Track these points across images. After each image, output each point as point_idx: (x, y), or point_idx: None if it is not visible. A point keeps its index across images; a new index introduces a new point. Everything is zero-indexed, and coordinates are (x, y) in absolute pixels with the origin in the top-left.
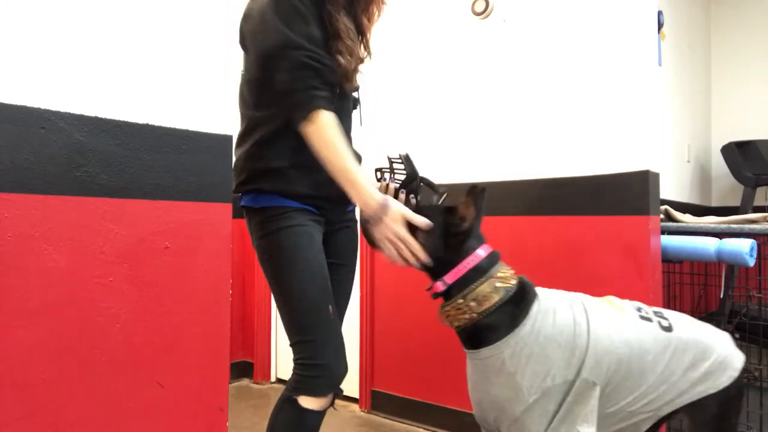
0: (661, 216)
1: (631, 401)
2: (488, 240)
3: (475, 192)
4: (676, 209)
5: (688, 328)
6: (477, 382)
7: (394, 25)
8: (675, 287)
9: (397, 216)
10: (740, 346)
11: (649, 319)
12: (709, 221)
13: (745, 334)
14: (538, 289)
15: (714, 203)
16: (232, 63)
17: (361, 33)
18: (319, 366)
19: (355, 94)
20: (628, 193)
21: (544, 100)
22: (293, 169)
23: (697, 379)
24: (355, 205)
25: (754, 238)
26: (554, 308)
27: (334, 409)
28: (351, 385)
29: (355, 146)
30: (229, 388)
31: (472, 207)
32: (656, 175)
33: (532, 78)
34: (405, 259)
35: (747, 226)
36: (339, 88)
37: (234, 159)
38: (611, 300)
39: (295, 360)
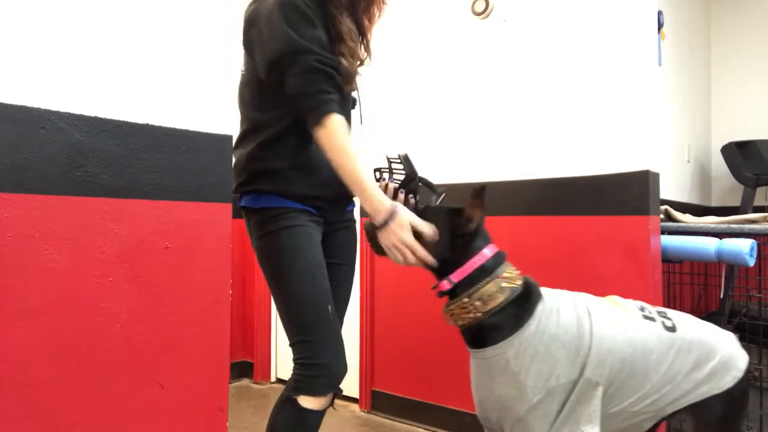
0: (661, 216)
1: (634, 401)
2: None
3: (481, 193)
4: (676, 209)
5: (692, 328)
6: (480, 381)
7: (394, 25)
8: (675, 287)
9: (405, 223)
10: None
11: (652, 319)
12: (709, 221)
13: (745, 334)
14: (542, 290)
15: (714, 203)
16: (232, 63)
17: (362, 34)
18: (318, 366)
19: (354, 94)
20: (628, 193)
21: (544, 100)
22: (293, 169)
23: (701, 380)
24: (353, 206)
25: (754, 238)
26: (558, 308)
27: (334, 408)
28: (351, 385)
29: (355, 146)
30: (229, 388)
31: (479, 208)
32: (656, 175)
33: (532, 78)
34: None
35: (747, 226)
36: None
37: (234, 159)
38: (614, 300)
39: (294, 360)
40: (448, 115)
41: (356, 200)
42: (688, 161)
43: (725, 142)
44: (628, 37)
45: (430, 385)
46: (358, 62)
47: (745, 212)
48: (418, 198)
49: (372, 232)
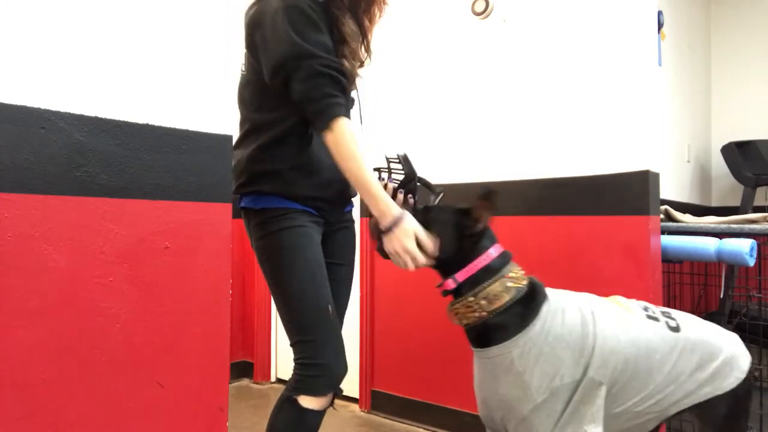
0: (661, 216)
1: (638, 401)
2: None
3: (491, 195)
4: (676, 209)
5: (696, 328)
6: (484, 380)
7: (394, 25)
8: (675, 287)
9: (409, 231)
10: None
11: (656, 319)
12: (709, 221)
13: (745, 334)
14: (547, 290)
15: (714, 203)
16: (232, 63)
17: (362, 34)
18: (319, 366)
19: (353, 94)
20: (628, 193)
21: (544, 100)
22: (293, 170)
23: (705, 380)
24: (352, 206)
25: (754, 238)
26: (563, 308)
27: (334, 408)
28: (351, 385)
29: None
30: (229, 388)
31: (488, 210)
32: (656, 175)
33: (532, 78)
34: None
35: (747, 226)
36: None
37: (234, 160)
38: (618, 300)
39: (295, 360)
40: (448, 115)
41: (354, 200)
42: (688, 161)
43: (725, 142)
44: (628, 37)
45: (430, 385)
46: (359, 63)
47: (745, 212)
48: (416, 198)
49: (377, 232)
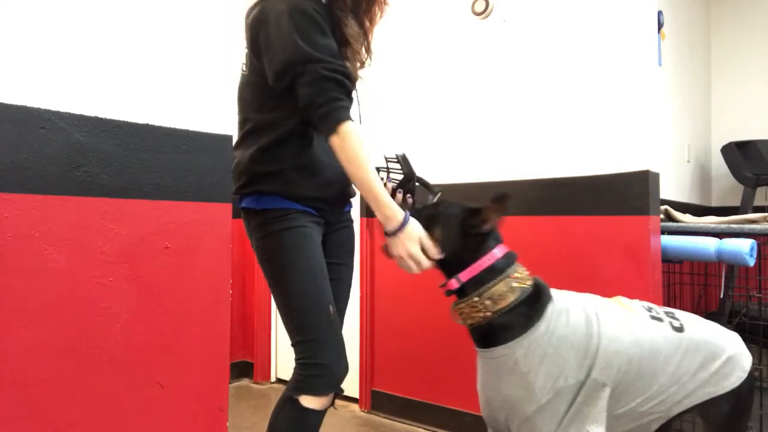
0: (661, 216)
1: (641, 402)
2: None
3: (502, 200)
4: (676, 209)
5: (699, 328)
6: (488, 380)
7: (395, 25)
8: (675, 287)
9: (413, 236)
10: None
11: (660, 320)
12: (709, 221)
13: (745, 334)
14: (552, 291)
15: (714, 203)
16: (232, 63)
17: (363, 35)
18: (319, 365)
19: (352, 94)
20: (628, 193)
21: (544, 100)
22: (294, 171)
23: (706, 380)
24: (351, 206)
25: (754, 238)
26: (567, 309)
27: (335, 408)
28: (351, 385)
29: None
30: (229, 388)
31: (497, 213)
32: (656, 175)
33: (532, 78)
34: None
35: (747, 226)
36: None
37: (235, 160)
38: (621, 300)
39: (296, 360)
40: (448, 115)
41: (353, 200)
42: (688, 161)
43: (725, 142)
44: (628, 37)
45: (430, 385)
46: (359, 64)
47: (745, 212)
48: (415, 197)
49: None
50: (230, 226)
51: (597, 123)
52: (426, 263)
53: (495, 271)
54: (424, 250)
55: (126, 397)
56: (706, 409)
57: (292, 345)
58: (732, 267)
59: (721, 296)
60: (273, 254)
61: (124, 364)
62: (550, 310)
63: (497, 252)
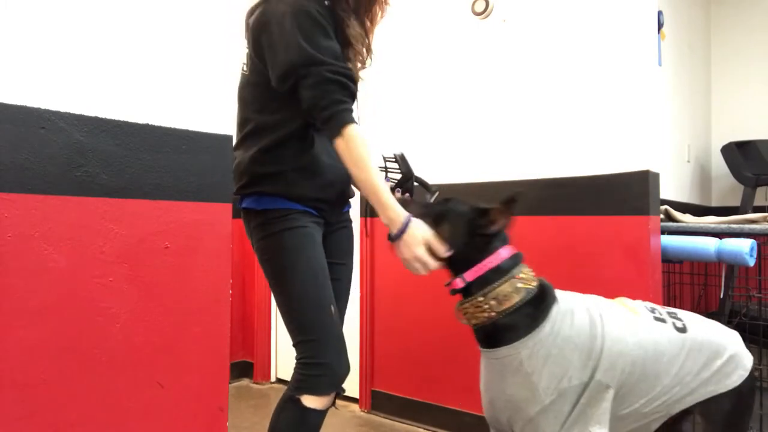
0: (661, 216)
1: (644, 403)
2: None
3: (510, 203)
4: (676, 209)
5: (702, 327)
6: (491, 381)
7: (395, 25)
8: (675, 287)
9: (417, 238)
10: None
11: (663, 321)
12: (709, 221)
13: (745, 334)
14: (557, 292)
15: (714, 203)
16: (232, 63)
17: (364, 35)
18: (321, 365)
19: None
20: (628, 193)
21: (544, 100)
22: (295, 172)
23: (708, 379)
24: (350, 206)
25: (754, 238)
26: (572, 310)
27: (335, 408)
28: (351, 385)
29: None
30: (229, 388)
31: (505, 215)
32: (656, 175)
33: (532, 78)
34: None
35: (747, 226)
36: None
37: (236, 160)
38: (624, 301)
39: (297, 359)
40: (448, 115)
41: (352, 201)
42: (688, 161)
43: (725, 142)
44: (628, 37)
45: (430, 385)
46: (360, 65)
47: (745, 212)
48: (413, 197)
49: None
50: (230, 226)
51: (597, 123)
52: (433, 264)
53: (501, 272)
54: (431, 250)
55: (126, 397)
56: (707, 407)
57: (294, 345)
58: (732, 267)
59: (721, 296)
60: (274, 254)
61: (124, 364)
62: (555, 312)
63: (504, 252)
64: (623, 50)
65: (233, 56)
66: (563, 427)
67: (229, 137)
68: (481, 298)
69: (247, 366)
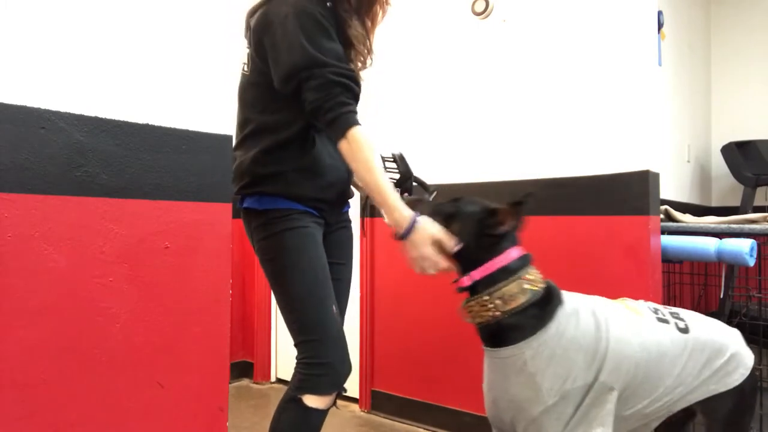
0: (661, 216)
1: (647, 404)
2: None
3: (520, 204)
4: (676, 209)
5: (703, 327)
6: (495, 380)
7: (395, 25)
8: (675, 287)
9: (424, 237)
10: None
11: (666, 321)
12: (709, 221)
13: (745, 334)
14: (563, 293)
15: (714, 203)
16: (232, 63)
17: (365, 36)
18: (322, 365)
19: None
20: (628, 193)
21: (544, 100)
22: (296, 172)
23: (709, 377)
24: (349, 206)
25: (754, 238)
26: (577, 311)
27: (336, 407)
28: (351, 385)
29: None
30: (229, 388)
31: (514, 216)
32: (656, 175)
33: (532, 78)
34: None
35: (747, 226)
36: None
37: (236, 161)
38: (626, 302)
39: (299, 359)
40: (448, 115)
41: (351, 201)
42: (688, 161)
43: (725, 142)
44: (628, 37)
45: (430, 385)
46: (362, 65)
47: (745, 212)
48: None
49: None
50: (230, 226)
51: (597, 123)
52: (442, 263)
53: (508, 272)
54: (440, 248)
55: (126, 397)
56: (709, 406)
57: (295, 345)
58: (732, 267)
59: (721, 296)
60: (275, 254)
61: (124, 364)
62: (561, 313)
63: (512, 253)
64: (623, 50)
65: (233, 56)
66: (566, 428)
67: (229, 137)
68: (486, 297)
69: (247, 366)
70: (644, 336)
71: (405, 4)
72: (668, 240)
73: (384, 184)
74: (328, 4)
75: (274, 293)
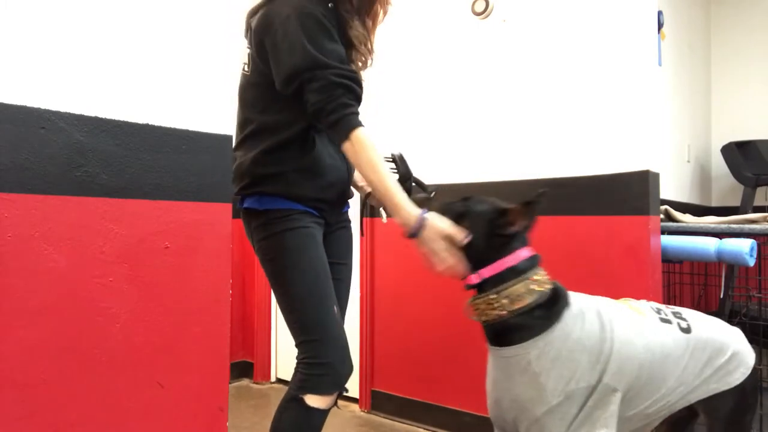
0: (661, 216)
1: (650, 404)
2: None
3: (531, 205)
4: (676, 209)
5: (706, 326)
6: (498, 380)
7: (395, 25)
8: (675, 287)
9: (435, 233)
10: None
11: (668, 321)
12: (709, 221)
13: (745, 334)
14: (569, 294)
15: (714, 203)
16: (232, 63)
17: (366, 36)
18: (323, 365)
19: None
20: (628, 193)
21: (544, 100)
22: (297, 173)
23: (710, 376)
24: (349, 206)
25: (754, 238)
26: (583, 312)
27: (337, 407)
28: (351, 385)
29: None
30: (229, 388)
31: (525, 216)
32: (656, 175)
33: (532, 78)
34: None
35: (747, 226)
36: None
37: (236, 161)
38: (629, 302)
39: (300, 359)
40: (448, 115)
41: (351, 201)
42: (688, 161)
43: (725, 142)
44: (628, 37)
45: (430, 385)
46: (361, 64)
47: (745, 212)
48: (411, 198)
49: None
50: (230, 226)
51: (597, 123)
52: (452, 260)
53: (516, 272)
54: (451, 242)
55: (126, 397)
56: (710, 404)
57: (296, 345)
58: (732, 267)
59: (721, 296)
60: (276, 254)
61: (124, 364)
62: (567, 315)
63: (522, 253)
64: (623, 50)
65: (233, 56)
66: (569, 429)
67: (229, 137)
68: (493, 296)
69: (247, 366)
70: (648, 337)
71: (405, 4)
72: (668, 240)
73: (390, 183)
74: (329, 4)
75: (274, 293)
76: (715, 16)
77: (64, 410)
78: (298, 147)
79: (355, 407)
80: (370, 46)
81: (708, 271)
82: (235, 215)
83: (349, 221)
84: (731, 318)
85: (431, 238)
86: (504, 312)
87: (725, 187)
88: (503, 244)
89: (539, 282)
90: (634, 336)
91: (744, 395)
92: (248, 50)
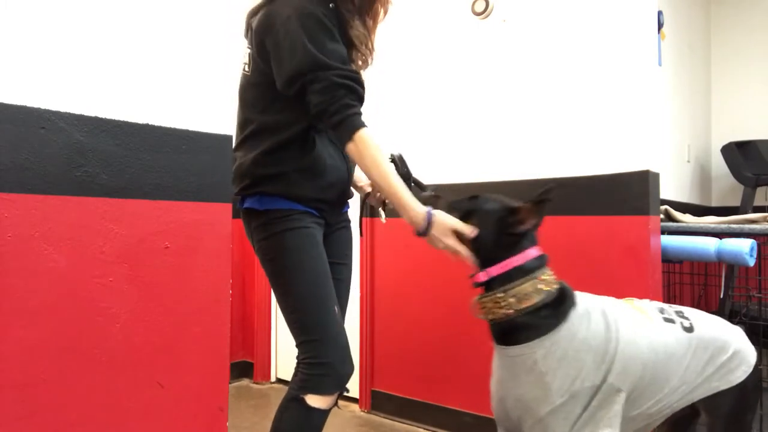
0: (661, 216)
1: (652, 404)
2: None
3: (540, 203)
4: (676, 209)
5: (708, 325)
6: (503, 379)
7: (395, 25)
8: (675, 287)
9: (444, 229)
10: None
11: (672, 321)
12: (709, 221)
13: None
14: (576, 294)
15: (714, 203)
16: (232, 63)
17: (367, 35)
18: (324, 365)
19: None
20: (628, 193)
21: (544, 100)
22: (297, 173)
23: (712, 374)
24: (349, 206)
25: (754, 238)
26: (589, 312)
27: (338, 407)
28: (351, 385)
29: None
30: (229, 388)
31: (534, 214)
32: (656, 175)
33: (532, 78)
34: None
35: (747, 226)
36: None
37: (237, 162)
38: (633, 302)
39: (300, 359)
40: (448, 115)
41: (351, 201)
42: (688, 161)
43: (725, 142)
44: (628, 37)
45: (430, 385)
46: (362, 63)
47: (745, 212)
48: None
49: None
50: (230, 226)
51: (597, 123)
52: (464, 252)
53: (524, 271)
54: (460, 236)
55: (126, 397)
56: (711, 402)
57: (297, 345)
58: (732, 267)
59: (721, 296)
60: (276, 255)
61: (124, 364)
62: (573, 315)
63: (530, 253)
64: (623, 50)
65: (233, 56)
66: (573, 429)
67: (229, 137)
68: (501, 294)
69: (247, 366)
70: (652, 337)
71: (405, 4)
72: (668, 240)
73: (396, 183)
74: (330, 4)
75: (275, 293)
76: (715, 16)
77: (64, 410)
78: (298, 147)
79: (355, 407)
80: (370, 46)
81: (708, 271)
82: (235, 215)
83: (349, 221)
84: (731, 318)
85: (441, 234)
86: (511, 311)
87: (725, 187)
88: (513, 242)
89: (547, 281)
90: (638, 336)
91: (745, 393)
92: (249, 50)
